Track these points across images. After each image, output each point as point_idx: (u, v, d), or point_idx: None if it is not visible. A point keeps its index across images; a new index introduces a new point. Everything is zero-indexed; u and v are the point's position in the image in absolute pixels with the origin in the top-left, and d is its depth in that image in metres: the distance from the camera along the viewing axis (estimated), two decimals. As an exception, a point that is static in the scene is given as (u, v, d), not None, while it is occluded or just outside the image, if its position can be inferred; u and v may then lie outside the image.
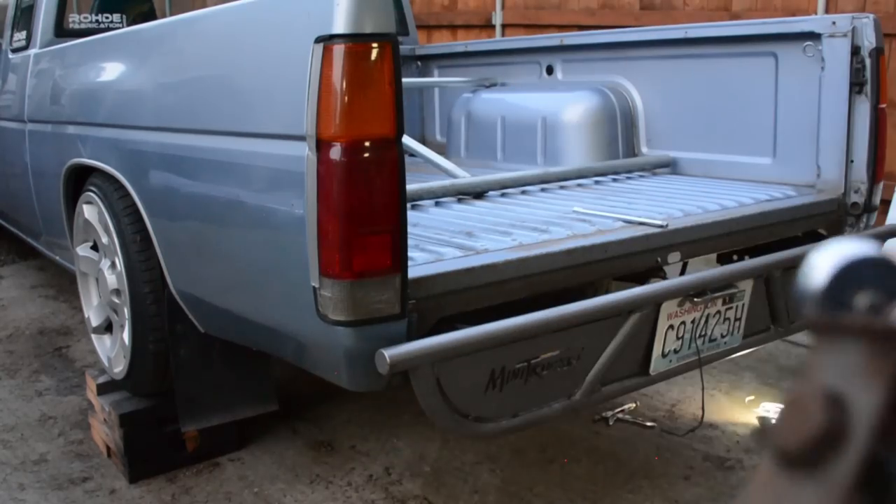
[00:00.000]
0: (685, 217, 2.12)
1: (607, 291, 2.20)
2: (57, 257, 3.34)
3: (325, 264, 1.50)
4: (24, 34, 3.48)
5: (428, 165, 2.82)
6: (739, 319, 2.07)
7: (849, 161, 2.38)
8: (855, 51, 2.31)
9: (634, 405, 2.78)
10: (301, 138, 1.51)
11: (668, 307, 1.88)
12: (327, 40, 1.45)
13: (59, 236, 3.07)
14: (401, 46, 1.56)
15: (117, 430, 2.36)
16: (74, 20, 3.50)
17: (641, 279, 2.11)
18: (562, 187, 2.64)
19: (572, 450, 2.52)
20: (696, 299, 1.92)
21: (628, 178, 2.81)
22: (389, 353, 1.45)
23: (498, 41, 5.12)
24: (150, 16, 3.94)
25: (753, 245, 2.28)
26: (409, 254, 1.62)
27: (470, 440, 2.54)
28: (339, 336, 1.53)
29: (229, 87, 1.83)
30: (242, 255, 1.83)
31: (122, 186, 2.30)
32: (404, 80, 1.73)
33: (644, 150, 3.00)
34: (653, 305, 1.84)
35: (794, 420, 0.38)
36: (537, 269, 1.76)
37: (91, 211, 2.53)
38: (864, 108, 2.33)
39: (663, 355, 1.93)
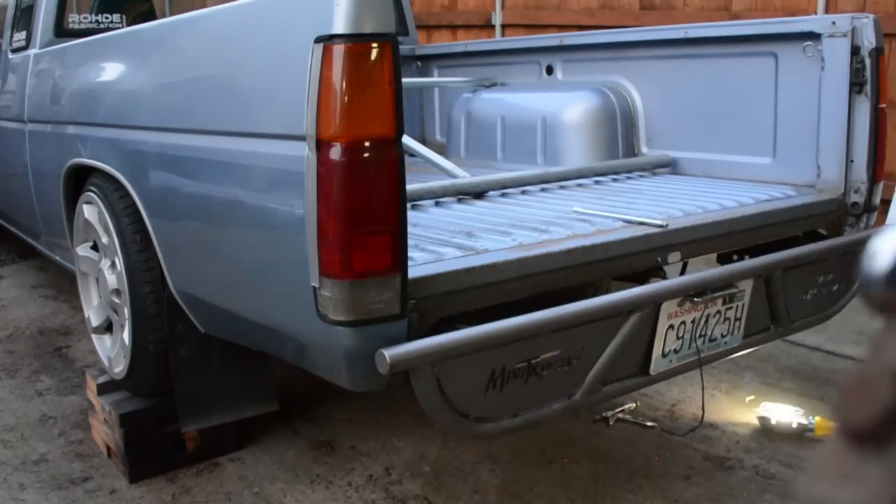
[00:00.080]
0: (685, 217, 2.12)
1: (607, 291, 2.20)
2: (57, 257, 3.34)
3: (325, 264, 1.50)
4: (23, 34, 3.48)
5: (428, 165, 2.83)
6: (739, 319, 2.07)
7: (849, 161, 2.38)
8: (855, 51, 2.31)
9: (634, 405, 2.78)
10: (301, 138, 1.51)
11: (668, 307, 1.88)
12: (327, 40, 1.45)
13: (59, 236, 3.07)
14: (401, 46, 1.56)
15: (117, 429, 2.36)
16: (74, 20, 3.50)
17: (641, 279, 2.11)
18: (562, 187, 2.64)
19: (572, 450, 2.52)
20: (696, 299, 1.92)
21: (628, 178, 2.81)
22: (389, 353, 1.45)
23: (498, 41, 5.12)
24: (150, 16, 3.94)
25: (753, 245, 2.28)
26: (409, 254, 1.62)
27: (470, 440, 2.54)
28: (339, 336, 1.53)
29: (229, 87, 1.83)
30: (242, 255, 1.83)
31: (122, 186, 2.30)
32: (404, 80, 1.73)
33: (644, 150, 3.00)
34: (653, 305, 1.84)
35: (861, 398, 0.38)
36: (537, 269, 1.76)
37: (91, 211, 2.54)
38: (863, 108, 2.33)
39: (663, 355, 1.93)
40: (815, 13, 4.62)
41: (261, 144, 1.67)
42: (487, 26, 6.53)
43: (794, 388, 2.96)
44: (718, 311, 2.01)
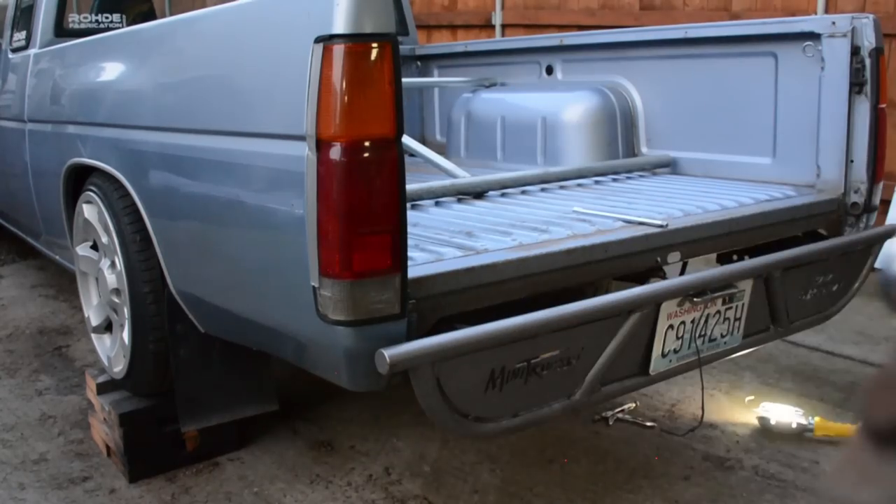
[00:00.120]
0: (685, 217, 2.12)
1: (607, 291, 2.20)
2: (57, 257, 3.34)
3: (324, 264, 1.50)
4: (23, 34, 3.48)
5: (428, 165, 2.83)
6: (739, 319, 2.07)
7: (849, 161, 2.38)
8: (855, 51, 2.31)
9: (634, 405, 2.78)
10: (301, 138, 1.51)
11: (668, 307, 1.88)
12: (327, 40, 1.45)
13: (58, 236, 3.08)
14: (401, 46, 1.56)
15: (117, 429, 2.36)
16: (74, 20, 3.50)
17: (641, 279, 2.11)
18: (562, 187, 2.64)
19: (572, 450, 2.52)
20: (695, 299, 1.92)
21: (628, 178, 2.81)
22: (389, 352, 1.45)
23: (498, 41, 5.12)
24: (150, 16, 3.94)
25: (753, 245, 2.28)
26: (409, 254, 1.62)
27: (470, 440, 2.54)
28: (339, 336, 1.53)
29: (229, 87, 1.83)
30: (242, 254, 1.83)
31: (121, 186, 2.30)
32: (404, 80, 1.73)
33: (644, 150, 3.00)
34: (653, 305, 1.84)
35: (884, 398, 0.38)
36: (537, 269, 1.76)
37: (91, 210, 2.54)
38: (863, 108, 2.33)
39: (663, 355, 1.93)
40: (815, 13, 4.62)
41: (261, 144, 1.67)
42: (487, 26, 6.54)
43: (793, 389, 2.96)
44: (718, 312, 2.01)
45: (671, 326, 1.91)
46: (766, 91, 2.57)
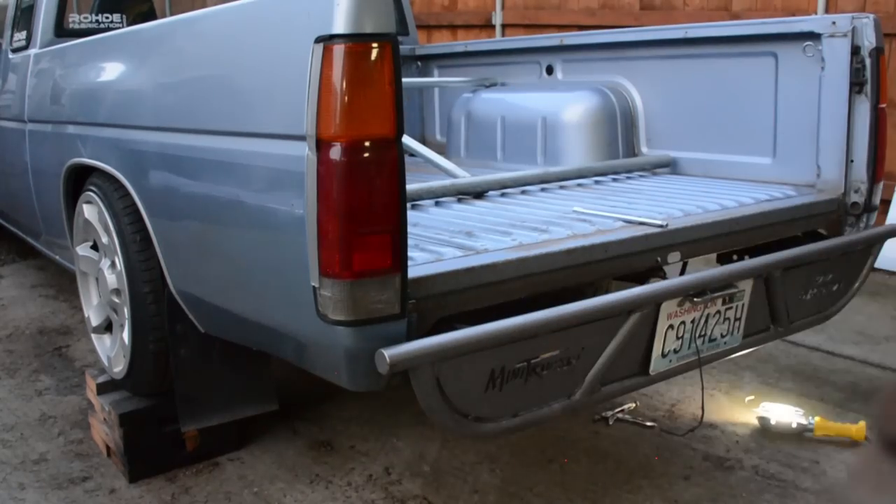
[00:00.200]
0: (685, 217, 2.13)
1: (607, 291, 2.20)
2: (57, 257, 3.35)
3: (324, 264, 1.50)
4: (24, 34, 3.48)
5: (428, 165, 2.83)
6: (739, 319, 2.07)
7: (849, 161, 2.38)
8: (855, 51, 2.31)
9: (634, 405, 2.78)
10: (301, 138, 1.51)
11: (668, 307, 1.88)
12: (327, 40, 1.46)
13: (59, 236, 3.08)
14: (401, 46, 1.56)
15: (117, 429, 2.36)
16: (74, 20, 3.50)
17: (641, 279, 2.11)
18: (562, 187, 2.64)
19: (572, 450, 2.52)
20: (696, 299, 1.92)
21: (628, 178, 2.81)
22: (389, 352, 1.45)
23: (498, 41, 5.12)
24: (150, 16, 3.94)
25: (753, 245, 2.28)
26: (409, 254, 1.62)
27: (470, 440, 2.54)
28: (339, 336, 1.53)
29: (229, 87, 1.83)
30: (242, 254, 1.83)
31: (121, 186, 2.30)
32: (404, 80, 1.73)
33: (644, 150, 3.00)
34: (653, 305, 1.84)
35: None
36: (537, 268, 1.76)
37: (91, 210, 2.54)
38: (864, 108, 2.33)
39: (663, 355, 1.93)
40: (815, 13, 4.62)
41: (261, 144, 1.67)
42: (487, 26, 6.54)
43: (793, 388, 2.96)
44: (718, 311, 2.01)
45: (671, 326, 1.91)
46: (766, 91, 2.57)
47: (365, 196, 1.47)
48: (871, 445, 0.38)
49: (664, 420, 2.71)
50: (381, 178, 1.48)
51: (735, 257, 2.36)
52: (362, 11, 1.44)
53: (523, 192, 2.56)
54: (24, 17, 3.53)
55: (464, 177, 2.61)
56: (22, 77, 3.34)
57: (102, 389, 2.50)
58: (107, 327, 2.62)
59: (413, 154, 2.74)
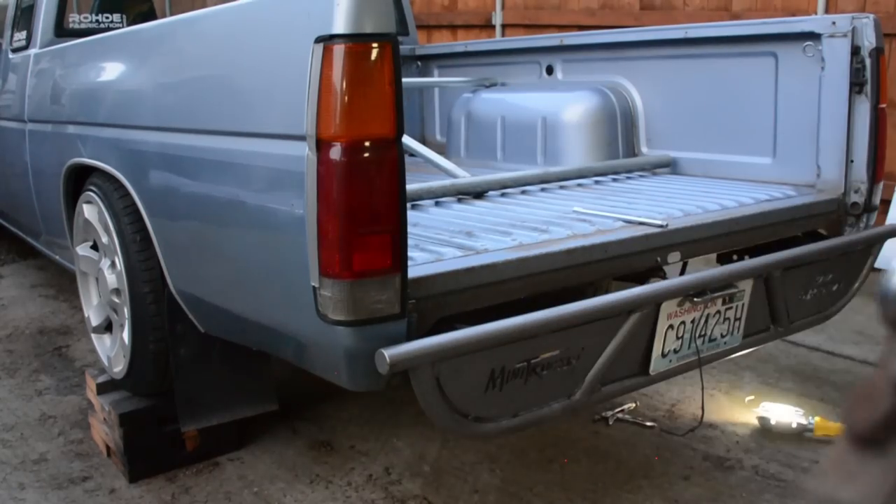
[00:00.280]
0: (685, 217, 2.13)
1: (607, 291, 2.20)
2: (57, 257, 3.34)
3: (324, 264, 1.50)
4: (24, 34, 3.48)
5: (428, 165, 2.83)
6: (739, 319, 2.07)
7: (849, 161, 2.38)
8: (855, 51, 2.31)
9: (634, 405, 2.78)
10: (301, 138, 1.51)
11: (668, 307, 1.88)
12: (327, 40, 1.46)
13: (59, 236, 3.08)
14: (401, 46, 1.56)
15: (117, 429, 2.36)
16: (74, 20, 3.50)
17: (641, 279, 2.11)
18: (562, 187, 2.64)
19: (572, 450, 2.52)
20: (696, 299, 1.92)
21: (628, 178, 2.81)
22: (389, 352, 1.45)
23: (498, 41, 5.12)
24: (150, 16, 3.94)
25: (753, 245, 2.28)
26: (409, 254, 1.62)
27: (470, 440, 2.54)
28: (339, 336, 1.53)
29: (229, 87, 1.83)
30: (242, 254, 1.83)
31: (122, 186, 2.30)
32: (404, 80, 1.73)
33: (644, 150, 3.00)
34: (653, 305, 1.84)
35: (865, 405, 0.42)
36: (537, 269, 1.76)
37: (91, 210, 2.54)
38: (864, 108, 2.33)
39: (663, 355, 1.93)
40: (815, 13, 4.62)
41: (261, 144, 1.67)
42: (487, 26, 6.54)
43: (793, 388, 2.96)
44: (718, 311, 2.01)
45: (671, 326, 1.91)
46: (766, 91, 2.57)
47: (365, 196, 1.47)
48: (839, 442, 0.41)
49: (664, 420, 2.71)
50: (381, 178, 1.48)
51: (735, 257, 2.36)
52: (362, 11, 1.44)
53: (523, 192, 2.56)
54: (24, 17, 3.53)
55: (464, 177, 2.61)
56: (22, 77, 3.34)
57: (102, 389, 2.50)
58: (107, 327, 2.62)
59: (413, 154, 2.74)
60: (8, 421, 2.79)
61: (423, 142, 3.65)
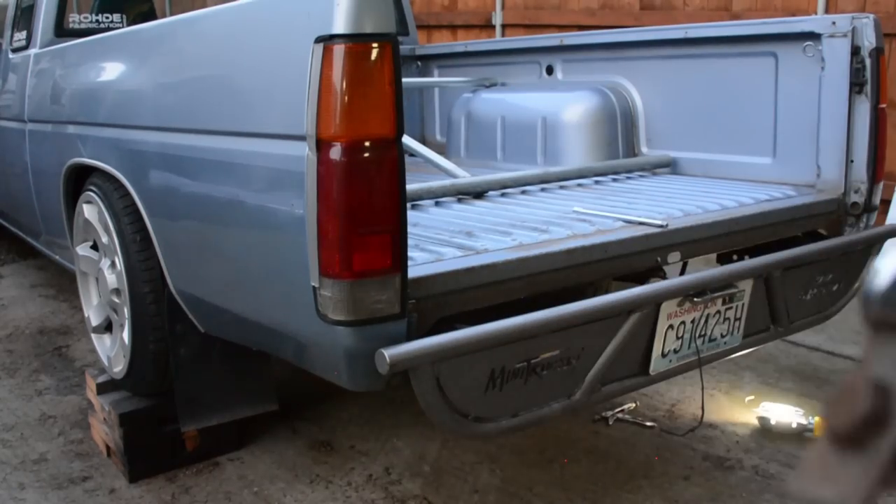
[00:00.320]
0: (685, 217, 2.13)
1: (607, 291, 2.20)
2: (57, 257, 3.34)
3: (324, 264, 1.50)
4: (24, 34, 3.48)
5: (428, 165, 2.83)
6: (739, 319, 2.07)
7: (849, 161, 2.38)
8: (855, 51, 2.31)
9: (634, 405, 2.78)
10: (301, 138, 1.51)
11: (668, 307, 1.88)
12: (327, 40, 1.46)
13: (59, 236, 3.08)
14: (401, 46, 1.56)
15: (117, 429, 2.36)
16: (74, 20, 3.50)
17: (641, 279, 2.11)
18: (562, 187, 2.64)
19: (572, 450, 2.52)
20: (695, 299, 1.92)
21: (628, 178, 2.81)
22: (389, 352, 1.45)
23: (498, 41, 5.12)
24: (150, 16, 3.94)
25: (753, 245, 2.28)
26: (409, 254, 1.62)
27: (470, 440, 2.54)
28: (339, 336, 1.53)
29: (229, 87, 1.83)
30: (242, 254, 1.83)
31: (122, 186, 2.30)
32: (404, 80, 1.73)
33: (644, 150, 3.00)
34: (653, 305, 1.84)
35: (845, 404, 0.43)
36: (537, 269, 1.76)
37: (91, 210, 2.54)
38: (864, 108, 2.33)
39: (663, 355, 1.93)
40: (815, 13, 4.62)
41: (261, 144, 1.67)
42: (487, 26, 6.53)
43: (793, 388, 2.96)
44: (718, 311, 2.01)
45: (671, 326, 1.91)
46: (766, 91, 2.57)
47: (365, 196, 1.47)
48: (819, 442, 0.43)
49: (664, 420, 2.71)
50: (381, 178, 1.48)
51: (735, 257, 2.36)
52: (362, 11, 1.44)
53: (523, 192, 2.56)
54: (24, 17, 3.53)
55: (464, 177, 2.61)
56: (22, 77, 3.34)
57: (102, 389, 2.50)
58: (107, 327, 2.62)
59: (413, 154, 2.74)
60: (8, 421, 2.79)
61: (423, 142, 3.65)
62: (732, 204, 2.27)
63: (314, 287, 1.53)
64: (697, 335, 1.98)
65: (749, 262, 2.13)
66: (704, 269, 2.01)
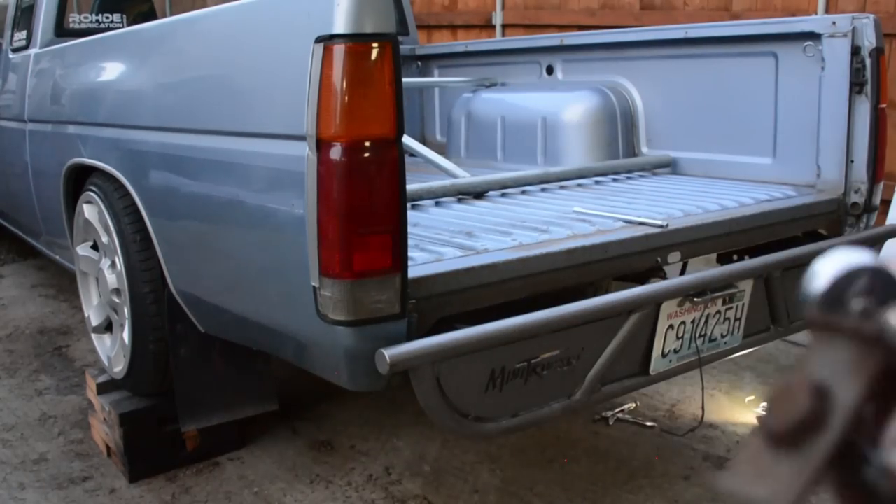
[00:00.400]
0: (685, 217, 2.13)
1: (607, 291, 2.20)
2: (57, 257, 3.34)
3: (325, 264, 1.50)
4: (24, 34, 3.48)
5: (428, 165, 2.83)
6: (739, 319, 2.07)
7: (849, 161, 2.38)
8: (855, 51, 2.31)
9: (634, 405, 2.78)
10: (301, 138, 1.51)
11: (668, 307, 1.88)
12: (327, 40, 1.46)
13: (59, 236, 3.08)
14: (401, 46, 1.56)
15: (117, 429, 2.36)
16: (74, 20, 3.50)
17: (641, 279, 2.11)
18: (562, 187, 2.64)
19: (572, 450, 2.52)
20: (696, 299, 1.92)
21: (628, 178, 2.81)
22: (389, 352, 1.45)
23: (498, 41, 5.12)
24: (150, 16, 3.94)
25: (753, 245, 2.28)
26: (409, 254, 1.62)
27: (470, 440, 2.54)
28: (340, 336, 1.53)
29: (229, 87, 1.83)
30: (242, 254, 1.83)
31: (122, 186, 2.30)
32: (404, 80, 1.73)
33: (644, 150, 3.00)
34: (653, 305, 1.84)
35: (783, 405, 0.43)
36: (537, 269, 1.76)
37: (91, 210, 2.54)
38: (864, 108, 2.33)
39: (663, 355, 1.93)
40: (816, 13, 4.61)
41: (261, 144, 1.67)
42: (487, 26, 6.53)
43: (793, 389, 2.95)
44: (718, 312, 2.01)
45: (671, 326, 1.91)
46: (766, 91, 2.57)
47: (365, 196, 1.47)
48: (753, 440, 0.43)
49: (664, 420, 2.71)
50: (382, 178, 1.48)
51: (735, 257, 2.36)
52: (362, 11, 1.44)
53: (523, 192, 2.56)
54: (25, 17, 3.53)
55: (464, 177, 2.61)
56: (22, 77, 3.34)
57: (102, 389, 2.50)
58: (107, 327, 2.62)
59: (413, 154, 2.74)
60: (8, 421, 2.79)
61: (423, 142, 3.65)
62: (732, 204, 2.27)
63: (314, 287, 1.53)
64: (697, 335, 1.98)
65: (749, 263, 2.13)
66: (704, 270, 2.01)
